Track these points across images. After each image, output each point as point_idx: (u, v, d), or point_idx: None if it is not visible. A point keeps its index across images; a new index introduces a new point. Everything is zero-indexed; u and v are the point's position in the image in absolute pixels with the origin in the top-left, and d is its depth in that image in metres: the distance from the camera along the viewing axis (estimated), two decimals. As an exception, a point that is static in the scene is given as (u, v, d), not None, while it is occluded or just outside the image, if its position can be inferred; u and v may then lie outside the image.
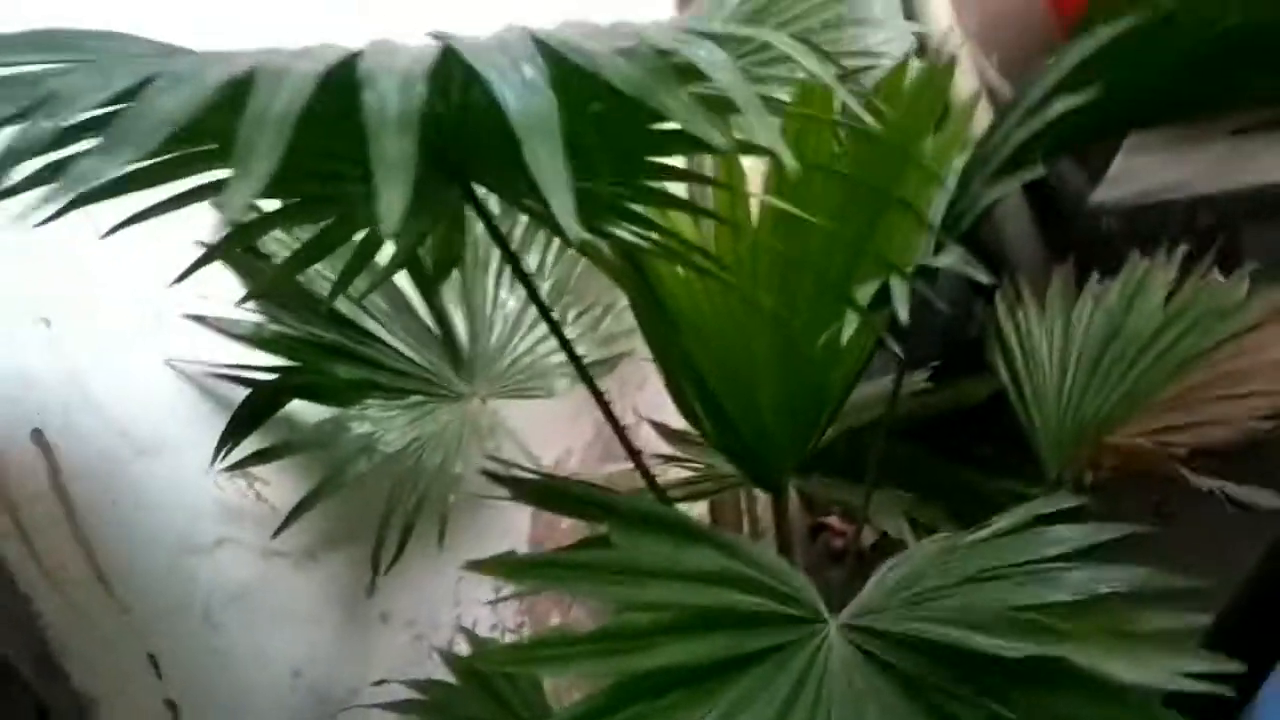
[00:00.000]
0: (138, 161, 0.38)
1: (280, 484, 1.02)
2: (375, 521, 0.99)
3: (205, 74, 0.42)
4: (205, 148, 0.55)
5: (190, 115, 0.40)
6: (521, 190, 0.63)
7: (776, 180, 0.85)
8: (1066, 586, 0.71)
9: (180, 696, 0.93)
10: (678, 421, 1.20)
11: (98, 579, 0.88)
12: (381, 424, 0.98)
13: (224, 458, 0.95)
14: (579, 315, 1.09)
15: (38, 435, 0.85)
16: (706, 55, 0.45)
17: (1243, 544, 0.75)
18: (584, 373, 0.91)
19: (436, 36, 0.47)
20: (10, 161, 0.39)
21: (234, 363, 0.94)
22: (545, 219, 0.70)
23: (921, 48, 1.73)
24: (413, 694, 0.99)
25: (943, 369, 1.10)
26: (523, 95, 0.43)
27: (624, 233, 0.74)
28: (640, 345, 1.16)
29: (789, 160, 0.47)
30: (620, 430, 0.94)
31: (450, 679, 1.01)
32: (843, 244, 0.81)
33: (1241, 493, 0.78)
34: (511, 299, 1.08)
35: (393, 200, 0.38)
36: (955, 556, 0.77)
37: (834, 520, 1.85)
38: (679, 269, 0.82)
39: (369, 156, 0.40)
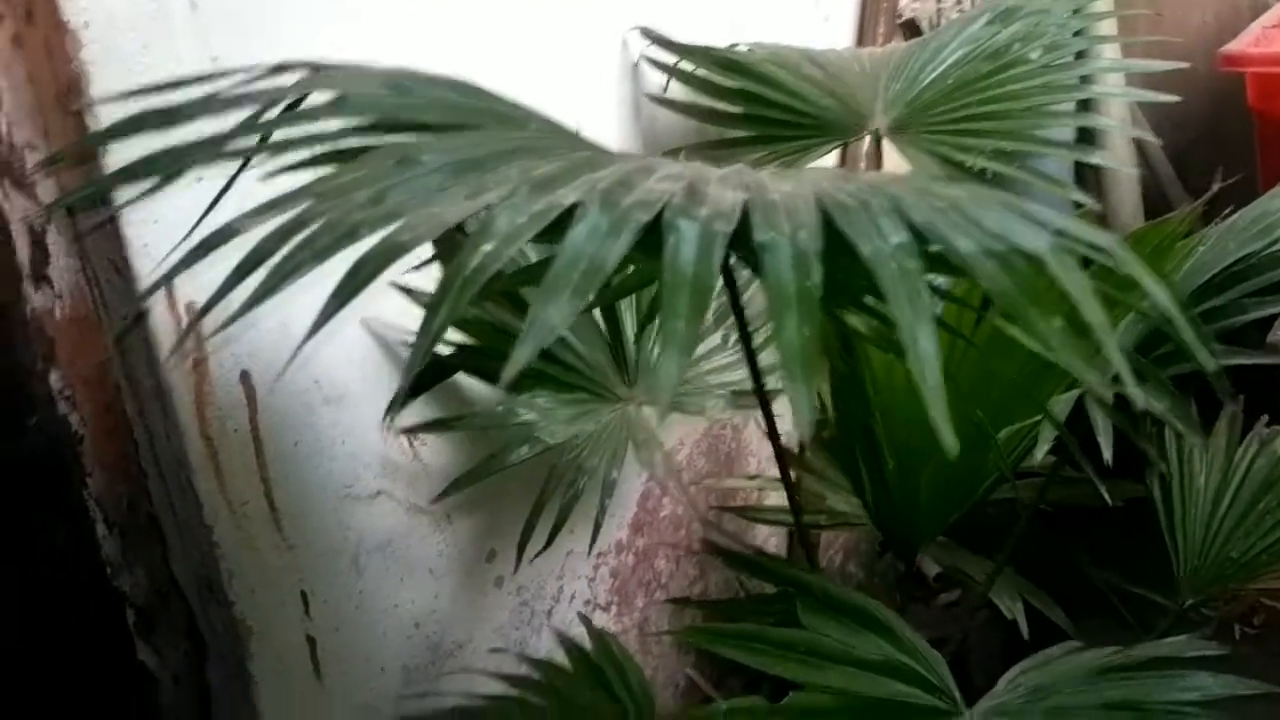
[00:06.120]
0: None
1: (436, 445, 1.07)
2: (507, 492, 1.04)
3: (626, 216, 0.45)
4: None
5: (616, 262, 0.44)
6: (862, 303, 0.67)
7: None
8: (1199, 736, 0.75)
9: (319, 634, 0.99)
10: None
11: (271, 516, 0.93)
12: (546, 414, 1.02)
13: (393, 418, 1.00)
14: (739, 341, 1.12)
15: (245, 377, 0.90)
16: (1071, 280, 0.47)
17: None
18: (763, 398, 0.95)
19: (817, 199, 0.49)
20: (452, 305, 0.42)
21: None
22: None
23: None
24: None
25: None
26: (893, 267, 0.47)
27: (856, 320, 0.78)
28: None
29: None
30: (782, 457, 0.98)
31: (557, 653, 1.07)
32: (1044, 364, 0.84)
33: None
34: (682, 311, 1.11)
35: (800, 399, 0.41)
36: (1092, 681, 0.81)
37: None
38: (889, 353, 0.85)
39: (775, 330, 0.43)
